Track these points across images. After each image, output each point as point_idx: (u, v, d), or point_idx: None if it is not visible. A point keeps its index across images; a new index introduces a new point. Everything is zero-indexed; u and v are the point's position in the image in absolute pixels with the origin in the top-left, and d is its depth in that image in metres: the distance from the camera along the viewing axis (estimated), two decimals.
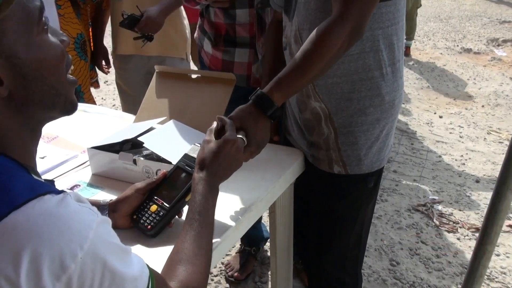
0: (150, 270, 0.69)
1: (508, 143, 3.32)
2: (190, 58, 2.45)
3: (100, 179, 1.24)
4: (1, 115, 0.63)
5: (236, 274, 2.07)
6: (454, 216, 2.56)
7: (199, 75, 1.47)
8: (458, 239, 2.38)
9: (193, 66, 2.78)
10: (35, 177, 0.65)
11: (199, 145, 1.02)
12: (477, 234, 2.30)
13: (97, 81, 2.58)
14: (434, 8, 8.56)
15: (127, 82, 2.35)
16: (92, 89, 2.52)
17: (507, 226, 2.44)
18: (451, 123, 3.83)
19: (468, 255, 2.24)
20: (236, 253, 2.17)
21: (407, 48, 5.52)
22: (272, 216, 1.37)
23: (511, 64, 5.31)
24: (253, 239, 2.12)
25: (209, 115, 1.36)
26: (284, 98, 1.00)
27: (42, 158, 1.34)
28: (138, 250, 0.95)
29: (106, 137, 1.28)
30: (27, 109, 0.65)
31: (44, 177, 1.23)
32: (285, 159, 1.31)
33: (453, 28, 7.08)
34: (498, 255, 2.25)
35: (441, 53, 5.80)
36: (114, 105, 4.16)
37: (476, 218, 2.55)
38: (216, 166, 0.90)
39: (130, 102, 2.35)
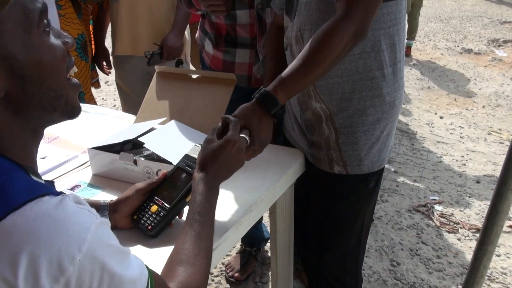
0: (150, 271, 0.69)
1: (508, 143, 3.33)
2: (189, 59, 2.46)
3: (100, 180, 1.24)
4: (0, 116, 0.63)
5: (236, 274, 2.07)
6: (455, 217, 2.56)
7: (199, 75, 1.47)
8: (459, 239, 2.38)
9: (191, 68, 2.77)
10: (34, 178, 0.65)
11: (199, 146, 1.02)
12: (477, 235, 2.30)
13: (98, 81, 2.58)
14: (435, 9, 8.56)
15: (126, 82, 2.36)
16: (93, 90, 2.52)
17: (508, 226, 2.44)
18: (451, 124, 3.83)
19: (469, 255, 2.24)
20: (236, 253, 2.17)
21: (408, 48, 5.52)
22: (273, 216, 1.37)
23: (511, 65, 5.31)
24: (253, 239, 2.12)
25: (209, 115, 1.37)
26: (287, 97, 1.00)
27: (43, 158, 1.34)
28: (139, 250, 0.95)
29: (107, 137, 1.28)
30: (26, 110, 0.64)
31: (44, 177, 1.23)
32: (286, 159, 1.31)
33: (454, 29, 7.08)
34: (498, 256, 2.25)
35: (441, 54, 5.80)
36: (114, 106, 4.16)
37: (477, 219, 2.54)
38: (217, 167, 0.89)
39: (130, 102, 2.35)
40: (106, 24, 2.45)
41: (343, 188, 1.31)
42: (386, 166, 1.32)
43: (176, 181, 0.99)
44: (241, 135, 0.94)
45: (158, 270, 0.76)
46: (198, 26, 1.83)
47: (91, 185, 1.22)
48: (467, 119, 3.92)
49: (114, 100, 4.28)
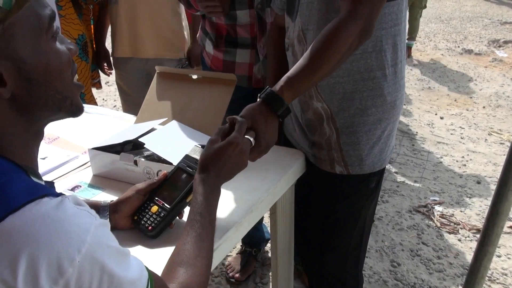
0: (149, 272, 0.69)
1: (509, 144, 3.32)
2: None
3: (101, 180, 1.24)
4: (3, 117, 0.63)
5: (236, 275, 2.07)
6: (455, 217, 2.56)
7: (200, 75, 1.47)
8: (459, 240, 2.38)
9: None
10: (34, 179, 0.65)
11: (200, 146, 1.02)
12: (478, 235, 2.30)
13: (99, 82, 2.58)
14: (435, 9, 8.56)
15: (127, 83, 2.36)
16: (93, 90, 2.52)
17: (508, 227, 2.44)
18: (452, 124, 3.83)
19: (469, 256, 2.24)
20: (237, 254, 2.17)
21: (409, 48, 5.52)
22: (273, 217, 1.37)
23: None
24: (254, 240, 2.12)
25: (210, 115, 1.37)
26: (293, 97, 0.99)
27: (43, 159, 1.34)
28: (139, 251, 0.95)
29: (107, 138, 1.28)
30: (31, 112, 0.65)
31: (45, 178, 1.23)
32: (286, 160, 1.31)
33: (454, 29, 7.08)
34: (499, 256, 2.25)
35: (442, 54, 5.80)
36: (115, 106, 4.16)
37: (477, 219, 2.54)
38: (218, 168, 0.89)
39: (131, 103, 2.36)
40: (107, 25, 2.45)
41: (344, 188, 1.31)
42: (387, 166, 1.32)
43: (177, 181, 0.99)
44: (245, 136, 0.93)
45: (159, 271, 0.76)
46: (199, 27, 1.83)
47: (91, 185, 1.22)
48: (467, 120, 3.92)
49: (115, 100, 4.28)
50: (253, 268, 2.14)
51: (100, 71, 2.53)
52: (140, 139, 1.20)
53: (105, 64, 2.49)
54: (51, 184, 0.72)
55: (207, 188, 0.87)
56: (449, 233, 2.43)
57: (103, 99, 4.33)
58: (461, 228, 2.47)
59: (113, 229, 0.98)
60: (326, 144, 1.26)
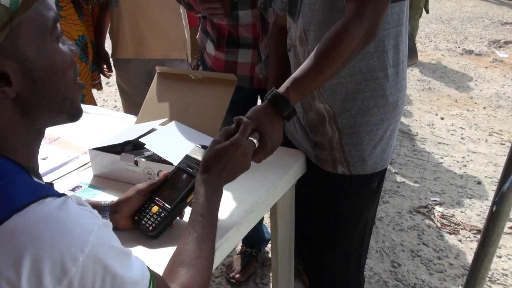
0: (151, 272, 0.69)
1: (509, 144, 3.32)
2: (190, 60, 2.46)
3: (101, 180, 1.24)
4: (7, 116, 0.64)
5: (237, 275, 2.07)
6: (456, 218, 2.56)
7: (200, 76, 1.47)
8: (460, 241, 2.38)
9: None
10: (36, 179, 0.66)
11: (200, 147, 1.02)
12: (478, 236, 2.30)
13: (99, 83, 2.58)
14: (436, 10, 8.56)
15: (127, 83, 2.36)
16: (94, 90, 2.52)
17: (509, 228, 2.44)
18: (452, 125, 3.83)
19: (470, 257, 2.23)
20: (237, 254, 2.17)
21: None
22: (274, 217, 1.37)
23: None
24: (254, 240, 2.12)
25: (210, 116, 1.37)
26: (299, 98, 0.99)
27: (44, 159, 1.34)
28: (140, 251, 0.95)
29: (108, 138, 1.28)
30: (34, 112, 0.66)
31: (45, 178, 1.23)
32: (287, 160, 1.31)
33: (455, 30, 7.08)
34: (499, 257, 2.25)
35: (442, 55, 5.80)
36: (115, 107, 4.16)
37: (478, 220, 2.54)
38: (220, 169, 0.89)
39: (132, 103, 2.36)
40: (106, 26, 2.45)
41: (346, 188, 1.30)
42: (387, 167, 1.32)
43: (177, 182, 0.99)
44: (249, 138, 0.92)
45: (160, 271, 0.76)
46: (199, 28, 1.83)
47: (92, 185, 1.22)
48: (468, 120, 3.92)
49: (115, 101, 4.28)
50: (254, 268, 2.13)
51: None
52: (140, 140, 1.20)
53: (105, 66, 2.49)
54: (50, 185, 0.72)
55: (209, 189, 0.87)
56: (450, 233, 2.43)
57: (104, 99, 4.33)
58: (461, 229, 2.47)
59: (114, 229, 0.97)
60: (328, 144, 1.26)
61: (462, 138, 3.58)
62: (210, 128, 1.33)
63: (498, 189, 1.15)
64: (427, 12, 5.20)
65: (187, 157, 1.01)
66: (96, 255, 0.59)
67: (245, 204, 1.10)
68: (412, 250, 2.29)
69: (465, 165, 3.16)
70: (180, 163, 1.01)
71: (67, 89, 0.69)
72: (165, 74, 1.51)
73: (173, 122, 1.37)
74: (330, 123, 1.23)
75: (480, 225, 2.46)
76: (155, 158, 1.19)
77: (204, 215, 0.84)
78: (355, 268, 1.45)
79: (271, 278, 2.08)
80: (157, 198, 0.99)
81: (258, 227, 2.09)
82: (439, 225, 2.49)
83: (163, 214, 0.96)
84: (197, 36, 1.87)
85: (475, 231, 2.44)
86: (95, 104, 2.38)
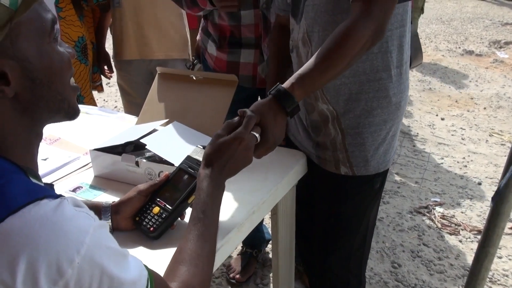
0: (149, 271, 0.69)
1: (510, 145, 3.32)
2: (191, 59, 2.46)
3: (102, 181, 1.24)
4: (5, 116, 0.64)
5: (237, 276, 2.07)
6: (456, 218, 2.56)
7: (201, 76, 1.47)
8: (460, 241, 2.38)
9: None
10: (34, 180, 0.66)
11: (202, 147, 1.02)
12: (479, 237, 2.30)
13: (101, 85, 2.57)
14: (436, 10, 8.57)
15: (129, 83, 2.36)
16: (94, 91, 2.52)
17: (509, 228, 2.44)
18: (453, 125, 3.83)
19: (470, 257, 2.23)
20: (237, 255, 2.17)
21: None
22: (274, 218, 1.37)
23: None
24: (254, 241, 2.12)
25: (211, 116, 1.37)
26: (304, 95, 0.98)
27: (45, 160, 1.35)
28: (140, 252, 0.95)
29: (109, 139, 1.28)
30: (32, 112, 0.67)
31: (46, 179, 1.23)
32: (288, 160, 1.31)
33: (455, 30, 7.08)
34: (500, 258, 2.25)
35: (443, 55, 5.80)
36: (116, 107, 4.16)
37: (478, 221, 2.54)
38: (223, 163, 0.88)
39: (133, 103, 2.36)
40: (106, 27, 2.45)
41: (349, 189, 1.30)
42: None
43: (178, 182, 0.99)
44: (251, 132, 0.91)
45: (161, 272, 0.76)
46: (200, 28, 1.83)
47: (93, 186, 1.22)
48: (468, 121, 3.92)
49: (116, 101, 4.28)
50: (254, 269, 2.14)
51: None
52: (141, 140, 1.20)
53: (106, 67, 2.49)
54: (50, 186, 0.72)
55: (211, 184, 0.86)
56: (450, 234, 2.43)
57: (104, 100, 4.33)
58: (462, 229, 2.47)
59: (115, 230, 0.98)
60: (331, 145, 1.26)
61: (462, 139, 3.58)
62: (211, 129, 1.33)
63: (498, 190, 1.16)
64: (422, 11, 5.20)
65: (188, 158, 1.01)
66: (92, 257, 0.59)
67: (246, 204, 1.10)
68: (412, 251, 2.29)
69: (466, 166, 3.16)
70: (181, 163, 1.01)
71: (65, 90, 0.70)
72: (166, 74, 1.52)
73: (174, 123, 1.37)
74: (333, 123, 1.23)
75: (481, 226, 2.46)
76: (156, 159, 1.19)
77: (206, 212, 0.84)
78: (356, 268, 1.45)
79: (271, 278, 2.08)
80: (158, 199, 0.99)
81: (259, 227, 2.09)
82: (439, 225, 2.49)
83: (164, 215, 0.96)
84: (197, 37, 1.87)
85: (476, 232, 2.44)
86: (95, 105, 2.38)
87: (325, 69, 0.96)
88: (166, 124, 1.38)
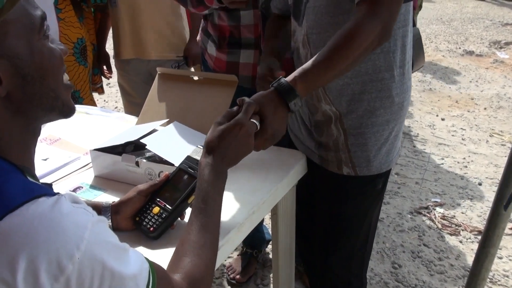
0: (151, 264, 0.69)
1: (510, 145, 3.32)
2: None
3: (102, 181, 1.24)
4: (0, 115, 0.64)
5: (237, 276, 2.07)
6: (456, 219, 2.56)
7: (201, 77, 1.47)
8: (461, 242, 2.38)
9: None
10: (31, 179, 0.66)
11: (201, 147, 1.01)
12: (479, 237, 2.30)
13: (101, 87, 2.57)
14: (436, 11, 8.57)
15: (129, 83, 2.36)
16: (95, 93, 2.52)
17: (510, 229, 2.44)
18: (453, 126, 3.83)
19: (471, 258, 2.23)
20: (237, 255, 2.17)
21: None
22: (274, 218, 1.37)
23: None
24: (255, 241, 2.12)
25: (211, 117, 1.36)
26: (306, 90, 0.97)
27: (45, 160, 1.35)
28: (140, 252, 0.94)
29: (109, 139, 1.28)
30: (26, 110, 0.67)
31: (46, 179, 1.23)
32: (288, 161, 1.31)
33: (455, 31, 7.08)
34: (500, 258, 2.25)
35: (443, 56, 5.80)
36: (116, 107, 4.17)
37: (479, 221, 2.54)
38: (224, 150, 0.86)
39: (133, 103, 2.36)
40: (107, 28, 2.45)
41: (351, 189, 1.30)
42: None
43: (178, 182, 0.99)
44: (251, 120, 0.90)
45: None
46: (200, 29, 1.83)
47: (93, 186, 1.22)
48: (468, 121, 3.92)
49: (116, 102, 4.28)
50: (254, 269, 2.13)
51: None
52: (141, 140, 1.20)
53: (105, 67, 2.49)
54: (49, 186, 0.73)
55: (212, 172, 0.85)
56: (450, 234, 2.43)
57: (104, 100, 4.33)
58: (462, 230, 2.47)
59: (115, 230, 0.98)
60: (333, 145, 1.25)
61: (462, 139, 3.58)
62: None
63: (499, 190, 1.15)
64: (420, 8, 5.20)
65: (188, 158, 1.01)
66: (92, 252, 0.59)
67: (246, 205, 1.10)
68: (412, 251, 2.29)
69: (466, 166, 3.16)
70: (181, 164, 1.01)
71: (58, 87, 0.70)
72: (166, 75, 1.52)
73: (174, 123, 1.37)
74: (336, 124, 1.23)
75: (481, 226, 2.46)
76: (156, 159, 1.19)
77: (208, 201, 0.82)
78: (357, 268, 1.45)
79: (271, 279, 2.08)
80: (158, 199, 0.99)
81: (259, 227, 2.09)
82: (439, 226, 2.49)
83: (164, 215, 0.96)
84: (198, 37, 1.87)
85: (476, 232, 2.44)
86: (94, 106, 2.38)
87: (329, 66, 0.95)
88: (166, 124, 1.38)
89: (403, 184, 2.91)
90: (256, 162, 1.24)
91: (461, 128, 3.77)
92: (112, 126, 1.58)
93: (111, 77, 2.57)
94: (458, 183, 2.93)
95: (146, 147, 1.18)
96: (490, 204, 1.12)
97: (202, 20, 1.79)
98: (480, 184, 2.93)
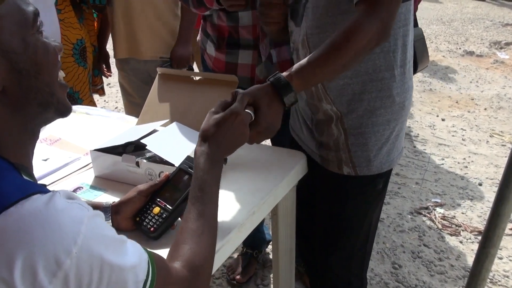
0: (149, 254, 0.69)
1: (511, 146, 3.33)
2: (194, 62, 2.46)
3: (103, 181, 1.24)
4: None
5: (238, 276, 2.07)
6: (457, 219, 2.56)
7: (201, 77, 1.47)
8: (461, 242, 2.38)
9: (195, 69, 2.78)
10: (27, 178, 0.66)
11: None
12: (479, 237, 2.30)
13: (102, 88, 2.56)
14: (437, 11, 8.57)
15: (129, 83, 2.36)
16: (96, 94, 2.52)
17: (510, 229, 2.44)
18: (453, 126, 3.83)
19: (471, 258, 2.23)
20: (238, 255, 2.17)
21: None
22: (275, 218, 1.37)
23: None
24: (255, 241, 2.12)
25: None
26: (302, 86, 0.97)
27: (45, 160, 1.35)
28: None
29: (109, 139, 1.28)
30: (23, 106, 0.67)
31: (47, 179, 1.23)
32: (288, 161, 1.31)
33: (456, 31, 7.08)
34: (500, 258, 2.25)
35: (443, 56, 5.81)
36: (116, 108, 4.16)
37: (479, 221, 2.54)
38: (220, 138, 0.86)
39: (133, 103, 2.36)
40: (109, 28, 2.45)
41: (351, 189, 1.30)
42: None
43: (178, 182, 0.99)
44: (246, 110, 0.90)
45: None
46: (200, 29, 1.83)
47: (93, 187, 1.22)
48: (469, 122, 3.92)
49: (116, 102, 4.28)
50: (254, 269, 2.13)
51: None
52: (142, 141, 1.20)
53: (104, 66, 2.49)
54: (44, 186, 0.73)
55: (208, 161, 0.85)
56: (451, 235, 2.43)
57: (105, 100, 4.33)
58: (462, 230, 2.47)
59: (115, 230, 0.98)
60: (334, 145, 1.25)
61: (463, 140, 3.58)
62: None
63: (499, 190, 1.15)
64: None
65: (188, 158, 1.01)
66: (90, 246, 0.59)
67: (246, 205, 1.10)
68: (413, 252, 2.29)
69: (466, 167, 3.16)
70: (181, 164, 1.02)
71: (53, 83, 0.70)
72: (166, 75, 1.52)
73: (174, 123, 1.37)
74: (336, 123, 1.23)
75: (481, 227, 2.45)
76: (156, 159, 1.19)
77: (204, 189, 0.82)
78: (358, 268, 1.45)
79: (272, 279, 2.08)
80: (158, 199, 0.99)
81: (259, 228, 2.09)
82: (440, 226, 2.49)
83: (164, 215, 0.96)
84: (198, 37, 1.87)
85: (476, 233, 2.44)
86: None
87: (326, 62, 0.96)
88: (167, 124, 1.38)
89: (403, 185, 2.91)
90: (256, 162, 1.24)
91: (461, 129, 3.77)
92: (113, 127, 1.58)
93: (110, 75, 2.57)
94: (458, 184, 2.93)
95: (147, 147, 1.18)
96: (490, 205, 1.12)
97: (196, 21, 1.78)
98: (480, 184, 2.93)
